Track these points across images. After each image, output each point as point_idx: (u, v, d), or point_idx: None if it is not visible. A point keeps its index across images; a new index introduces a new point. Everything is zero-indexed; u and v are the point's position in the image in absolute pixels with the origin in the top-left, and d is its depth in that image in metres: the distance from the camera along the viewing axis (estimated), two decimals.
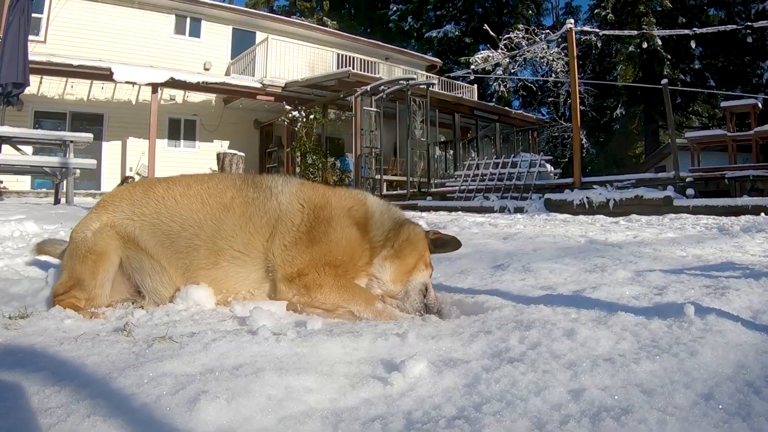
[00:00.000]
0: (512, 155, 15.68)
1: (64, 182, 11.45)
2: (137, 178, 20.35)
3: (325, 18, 36.50)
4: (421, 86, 19.21)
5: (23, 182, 18.20)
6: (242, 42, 24.20)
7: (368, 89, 18.83)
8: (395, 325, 2.03)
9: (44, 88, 19.39)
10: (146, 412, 1.25)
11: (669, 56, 31.15)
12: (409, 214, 10.81)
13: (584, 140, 31.42)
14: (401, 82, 18.89)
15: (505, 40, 24.91)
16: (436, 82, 22.23)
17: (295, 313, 2.25)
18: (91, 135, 11.91)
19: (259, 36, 23.96)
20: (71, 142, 11.44)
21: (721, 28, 16.06)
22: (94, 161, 12.13)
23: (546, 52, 25.17)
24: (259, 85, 21.33)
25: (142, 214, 2.37)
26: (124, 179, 20.75)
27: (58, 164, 11.30)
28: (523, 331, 1.86)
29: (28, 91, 18.60)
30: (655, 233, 6.03)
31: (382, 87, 18.89)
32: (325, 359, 1.64)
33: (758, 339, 1.72)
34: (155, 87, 19.14)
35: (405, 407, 1.30)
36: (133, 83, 19.14)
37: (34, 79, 18.57)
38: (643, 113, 34.87)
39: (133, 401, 1.30)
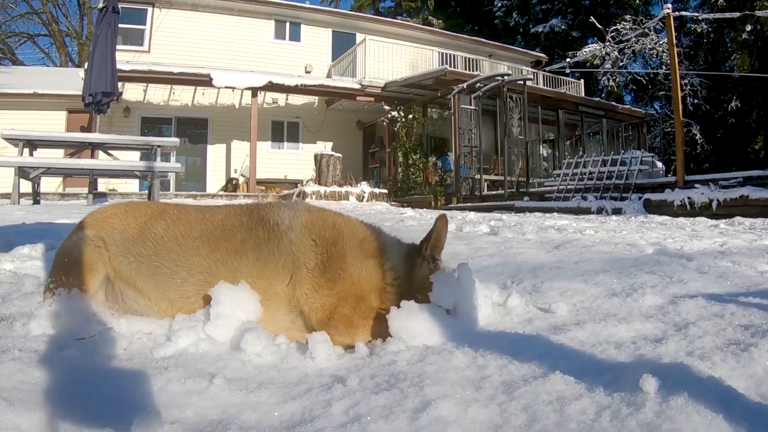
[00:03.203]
0: (611, 153, 14.35)
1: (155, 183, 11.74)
2: (241, 179, 20.88)
3: (430, 17, 35.95)
4: (518, 82, 18.17)
5: (131, 184, 19.11)
6: (342, 44, 24.15)
7: (465, 87, 18.11)
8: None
9: (150, 95, 20.30)
10: None
11: None
12: (493, 216, 10.17)
13: (698, 136, 28.59)
14: (497, 78, 17.98)
15: (612, 32, 23.11)
16: (531, 77, 20.93)
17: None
18: (177, 140, 12.14)
19: (359, 37, 23.79)
20: (158, 146, 11.67)
21: None
22: (179, 164, 12.36)
23: (655, 43, 23.05)
24: (358, 86, 21.11)
25: (139, 254, 2.10)
26: (229, 180, 21.42)
27: (144, 168, 11.55)
28: (370, 394, 1.32)
29: (134, 98, 19.84)
30: (749, 240, 4.98)
31: (479, 84, 18.11)
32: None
33: None
34: (254, 91, 19.46)
35: None
36: (233, 88, 19.59)
37: (139, 87, 19.68)
38: (762, 105, 31.14)
39: None
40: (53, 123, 18.51)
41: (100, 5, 11.40)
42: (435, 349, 1.66)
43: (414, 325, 1.75)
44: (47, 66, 32.38)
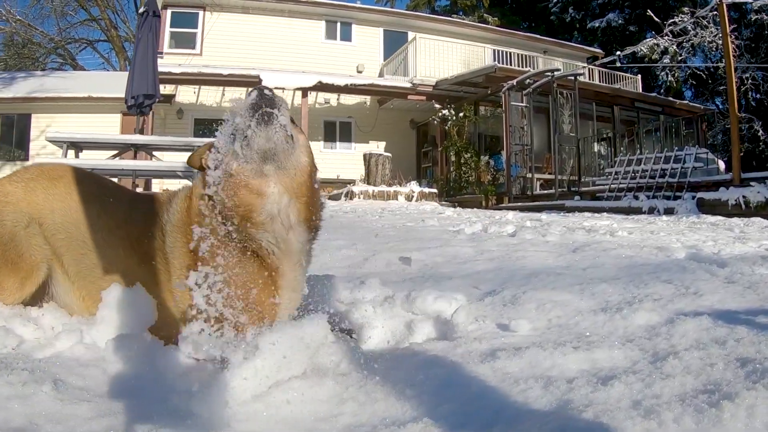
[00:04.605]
0: (665, 150, 13.57)
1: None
2: None
3: (485, 15, 35.22)
4: (568, 77, 17.47)
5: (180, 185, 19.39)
6: (394, 43, 23.85)
7: (515, 83, 17.57)
8: None
9: (202, 97, 20.68)
10: None
11: None
12: (535, 216, 9.66)
13: (761, 132, 26.86)
14: (547, 74, 17.34)
15: (670, 25, 21.89)
16: (582, 72, 20.15)
17: None
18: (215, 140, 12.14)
19: (411, 36, 23.48)
20: (198, 146, 11.70)
21: None
22: None
23: (715, 36, 21.60)
24: (409, 85, 20.85)
25: (70, 234, 1.93)
26: None
27: (183, 168, 11.59)
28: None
29: (187, 100, 20.17)
30: None
31: (528, 80, 17.54)
32: None
33: None
34: (304, 91, 19.50)
35: None
36: (282, 89, 19.57)
37: (191, 89, 19.96)
38: None
39: None
40: (108, 125, 19.06)
41: (141, 10, 11.56)
42: (319, 371, 1.37)
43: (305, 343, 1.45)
44: (107, 71, 33.52)
